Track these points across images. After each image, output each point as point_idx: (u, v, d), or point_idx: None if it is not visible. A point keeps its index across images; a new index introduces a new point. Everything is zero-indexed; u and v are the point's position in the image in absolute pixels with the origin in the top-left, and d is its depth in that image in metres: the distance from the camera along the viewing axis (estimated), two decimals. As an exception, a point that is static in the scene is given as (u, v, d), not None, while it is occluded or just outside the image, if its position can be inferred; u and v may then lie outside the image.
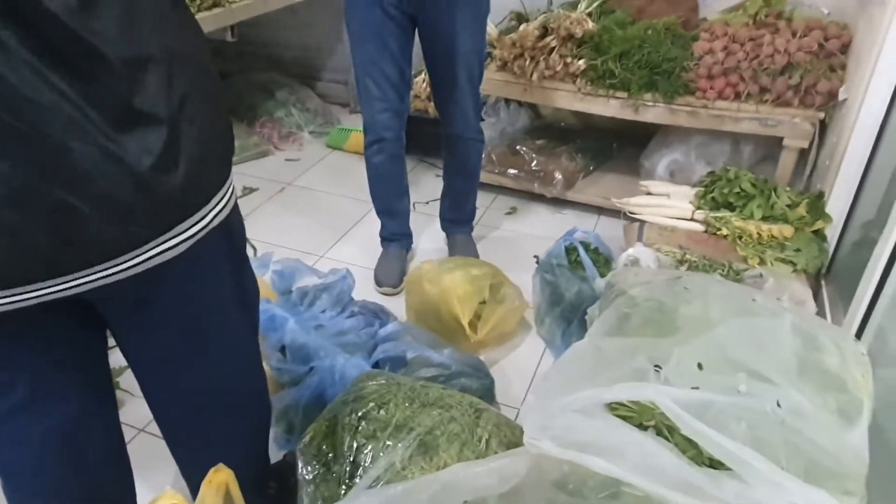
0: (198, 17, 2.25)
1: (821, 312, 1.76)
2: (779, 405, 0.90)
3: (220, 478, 0.93)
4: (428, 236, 2.40)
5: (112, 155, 0.71)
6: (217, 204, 0.86)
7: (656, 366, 0.89)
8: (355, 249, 2.37)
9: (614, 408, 0.95)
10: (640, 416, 0.98)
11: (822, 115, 2.08)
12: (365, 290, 2.10)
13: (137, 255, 0.78)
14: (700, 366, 0.93)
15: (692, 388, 0.88)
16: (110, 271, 0.78)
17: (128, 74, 0.71)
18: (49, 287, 0.76)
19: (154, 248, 0.79)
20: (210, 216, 0.85)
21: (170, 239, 0.80)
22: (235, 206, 0.94)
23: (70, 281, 0.76)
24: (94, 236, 0.74)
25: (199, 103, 0.79)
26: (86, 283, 0.77)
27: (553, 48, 2.38)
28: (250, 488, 1.00)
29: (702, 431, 0.78)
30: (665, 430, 0.95)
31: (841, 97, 1.98)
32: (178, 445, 1.11)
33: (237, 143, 3.49)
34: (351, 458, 1.10)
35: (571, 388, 0.87)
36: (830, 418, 0.99)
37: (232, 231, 0.94)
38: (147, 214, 0.77)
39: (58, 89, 0.67)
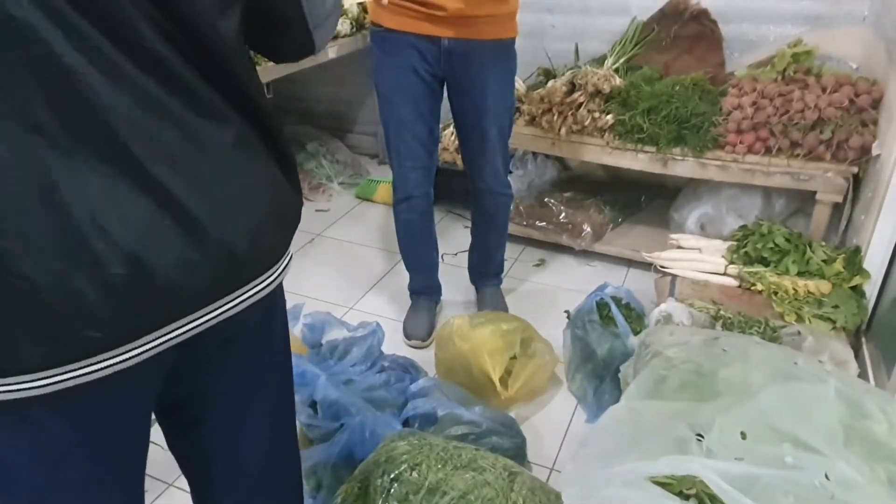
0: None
1: (862, 372, 1.71)
2: (827, 478, 0.87)
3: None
4: (456, 288, 2.40)
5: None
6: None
7: (698, 435, 0.87)
8: (384, 301, 2.38)
9: (653, 474, 0.93)
10: (679, 484, 0.95)
11: (855, 169, 2.06)
12: (394, 343, 2.09)
13: (275, 271, 0.80)
14: (743, 435, 0.90)
15: (736, 458, 0.85)
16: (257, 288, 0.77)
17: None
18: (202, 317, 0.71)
19: (279, 267, 0.81)
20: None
21: (285, 259, 0.82)
22: None
23: (231, 301, 0.73)
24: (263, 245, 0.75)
25: None
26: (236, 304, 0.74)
27: (581, 103, 2.40)
28: None
29: (749, 507, 0.75)
30: (707, 498, 0.92)
31: (874, 153, 1.96)
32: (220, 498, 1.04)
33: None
34: (383, 522, 1.09)
35: (611, 457, 0.85)
36: (880, 490, 0.95)
37: None
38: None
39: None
